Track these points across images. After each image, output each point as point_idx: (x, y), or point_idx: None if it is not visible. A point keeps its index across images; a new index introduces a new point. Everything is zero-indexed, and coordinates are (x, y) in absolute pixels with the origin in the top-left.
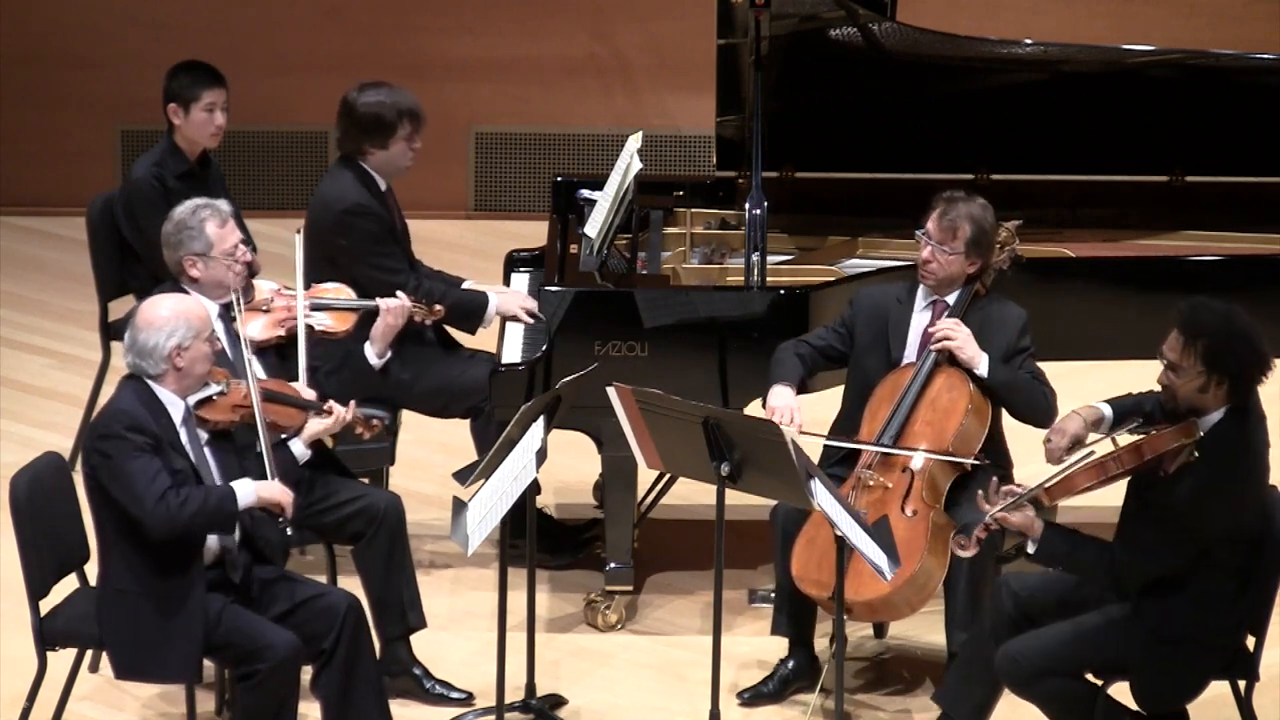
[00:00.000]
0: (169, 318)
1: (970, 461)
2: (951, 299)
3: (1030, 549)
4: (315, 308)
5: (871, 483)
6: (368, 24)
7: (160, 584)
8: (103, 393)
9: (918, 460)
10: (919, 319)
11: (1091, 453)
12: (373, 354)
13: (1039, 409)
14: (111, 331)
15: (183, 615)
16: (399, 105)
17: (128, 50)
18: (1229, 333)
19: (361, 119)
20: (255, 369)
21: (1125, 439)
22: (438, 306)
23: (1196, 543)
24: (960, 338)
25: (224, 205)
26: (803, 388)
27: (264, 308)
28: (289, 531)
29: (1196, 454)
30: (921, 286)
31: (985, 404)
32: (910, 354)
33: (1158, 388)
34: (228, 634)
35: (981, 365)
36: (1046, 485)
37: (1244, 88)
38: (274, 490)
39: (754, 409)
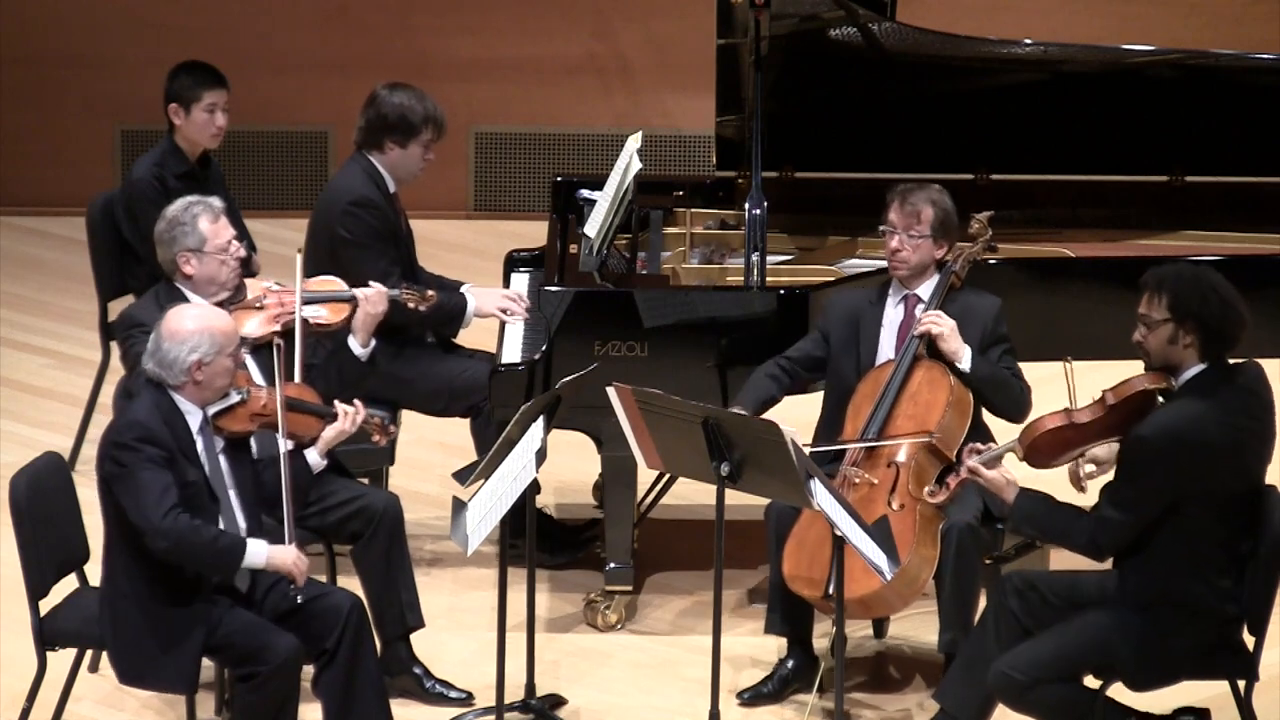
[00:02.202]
0: (193, 331)
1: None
2: (924, 291)
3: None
4: (306, 301)
5: (858, 480)
6: (368, 24)
7: (166, 591)
8: (103, 392)
9: (902, 454)
10: (891, 317)
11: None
12: (356, 345)
13: (1015, 404)
14: (111, 331)
15: (185, 625)
16: (427, 110)
17: (128, 50)
18: (1195, 283)
19: (387, 114)
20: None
21: None
22: (430, 293)
23: (1165, 494)
24: (946, 327)
25: (216, 202)
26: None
27: (257, 305)
28: (299, 600)
29: (1162, 400)
30: (892, 285)
31: (966, 395)
32: (883, 354)
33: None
34: (229, 635)
35: (965, 359)
36: (1018, 435)
37: (1244, 88)
38: (287, 557)
39: None
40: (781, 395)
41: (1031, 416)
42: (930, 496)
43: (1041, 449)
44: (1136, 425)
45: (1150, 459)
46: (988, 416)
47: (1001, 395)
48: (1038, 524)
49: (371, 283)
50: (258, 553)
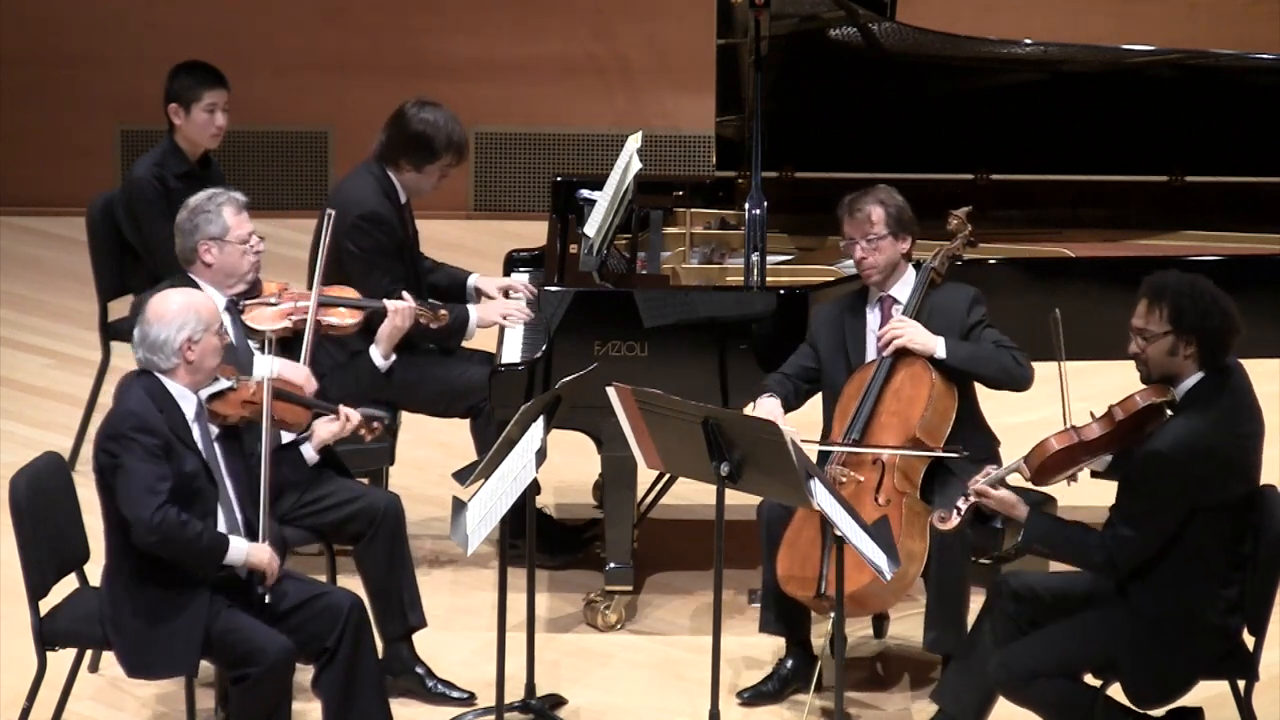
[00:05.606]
0: (179, 311)
1: (943, 454)
2: (900, 292)
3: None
4: (324, 304)
5: (844, 479)
6: (368, 24)
7: (168, 581)
8: (103, 392)
9: (887, 451)
10: (872, 324)
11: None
12: (378, 356)
13: (1011, 373)
14: (111, 331)
15: (188, 610)
16: (450, 136)
17: (128, 50)
18: (1193, 293)
19: (410, 134)
20: (267, 362)
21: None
22: (443, 312)
23: (1182, 507)
24: (907, 332)
25: (240, 195)
26: (790, 408)
27: (271, 300)
28: (267, 599)
29: (1170, 413)
30: (869, 290)
31: (950, 389)
32: (870, 356)
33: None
34: (222, 635)
35: (939, 349)
36: (1025, 456)
37: (1244, 88)
38: (263, 556)
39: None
40: (787, 406)
41: (1029, 430)
42: (940, 522)
43: (1050, 469)
44: (1148, 441)
45: (1167, 474)
46: (993, 417)
47: (990, 369)
48: (1051, 543)
49: (406, 295)
50: (239, 549)
